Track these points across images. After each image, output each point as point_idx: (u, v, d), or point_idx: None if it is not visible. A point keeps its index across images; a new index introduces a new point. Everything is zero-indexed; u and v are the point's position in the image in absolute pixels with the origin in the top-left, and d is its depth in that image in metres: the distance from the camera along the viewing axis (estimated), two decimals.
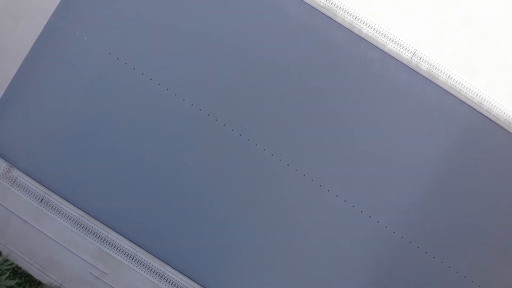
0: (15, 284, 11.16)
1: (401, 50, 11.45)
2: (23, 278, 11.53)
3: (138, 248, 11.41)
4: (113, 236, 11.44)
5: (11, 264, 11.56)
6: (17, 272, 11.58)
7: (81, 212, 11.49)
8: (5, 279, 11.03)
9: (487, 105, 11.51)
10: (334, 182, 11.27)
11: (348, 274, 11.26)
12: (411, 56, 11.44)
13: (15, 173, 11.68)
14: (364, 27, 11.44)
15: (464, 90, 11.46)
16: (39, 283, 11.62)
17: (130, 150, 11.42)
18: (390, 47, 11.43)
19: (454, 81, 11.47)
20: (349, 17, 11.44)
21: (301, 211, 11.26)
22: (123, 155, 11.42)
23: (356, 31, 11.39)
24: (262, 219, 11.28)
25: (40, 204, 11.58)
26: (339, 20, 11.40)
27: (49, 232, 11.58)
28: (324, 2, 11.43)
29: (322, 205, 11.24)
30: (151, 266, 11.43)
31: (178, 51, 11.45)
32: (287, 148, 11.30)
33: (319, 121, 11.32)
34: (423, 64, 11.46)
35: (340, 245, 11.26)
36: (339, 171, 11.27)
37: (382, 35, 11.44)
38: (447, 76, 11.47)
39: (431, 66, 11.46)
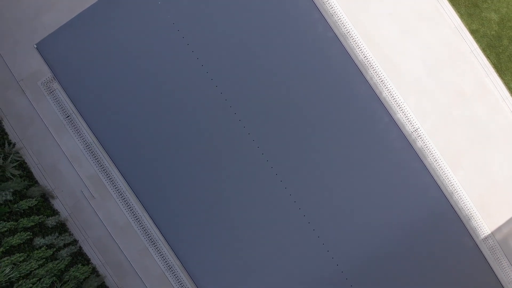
0: (18, 174, 12.83)
1: (407, 123, 13.16)
2: (25, 173, 13.20)
3: (129, 189, 13.09)
4: (114, 171, 13.13)
5: (20, 157, 13.24)
6: (22, 166, 13.25)
7: (96, 141, 13.19)
8: (12, 167, 12.69)
9: (457, 197, 13.21)
10: (316, 218, 13.00)
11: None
12: (412, 131, 13.16)
13: (56, 85, 13.38)
14: (385, 91, 13.15)
15: (443, 177, 13.16)
16: (36, 182, 13.29)
17: (161, 107, 13.12)
18: (399, 116, 13.14)
19: (439, 166, 13.17)
20: (376, 78, 13.15)
21: (276, 226, 12.98)
22: (151, 110, 13.11)
23: (377, 91, 13.10)
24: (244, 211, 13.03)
25: (65, 119, 13.27)
26: (367, 77, 13.11)
27: (62, 145, 13.27)
28: (362, 58, 13.15)
29: (296, 231, 12.97)
30: (133, 207, 13.12)
31: (233, 48, 13.14)
32: (289, 171, 13.03)
33: (320, 159, 13.07)
34: (419, 141, 13.17)
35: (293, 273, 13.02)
36: (323, 208, 12.98)
37: (397, 104, 13.15)
38: (434, 160, 13.17)
39: (425, 146, 13.17)
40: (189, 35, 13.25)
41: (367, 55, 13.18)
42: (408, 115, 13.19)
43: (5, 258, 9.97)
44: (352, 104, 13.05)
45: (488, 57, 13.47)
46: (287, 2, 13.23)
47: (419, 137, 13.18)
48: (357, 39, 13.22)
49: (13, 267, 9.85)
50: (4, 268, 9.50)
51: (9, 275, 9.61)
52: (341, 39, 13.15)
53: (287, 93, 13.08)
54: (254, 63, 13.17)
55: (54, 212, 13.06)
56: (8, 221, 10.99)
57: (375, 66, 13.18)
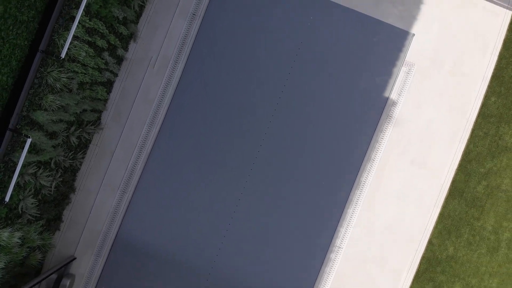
0: (134, 11, 16.31)
1: (341, 238, 16.80)
2: (137, 13, 16.66)
3: (174, 87, 16.65)
4: (179, 70, 16.71)
5: (144, 3, 16.69)
6: (141, 7, 16.72)
7: (191, 45, 16.79)
8: (136, 3, 16.18)
9: None
10: (232, 240, 16.62)
11: None
12: (336, 245, 16.75)
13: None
14: (351, 210, 16.74)
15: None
16: (137, 23, 16.79)
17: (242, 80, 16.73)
18: (340, 229, 16.75)
19: (326, 279, 16.75)
20: (355, 199, 16.74)
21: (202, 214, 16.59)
22: (235, 77, 16.75)
23: (346, 204, 16.70)
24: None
25: (191, 15, 16.83)
26: (351, 193, 16.70)
27: (173, 23, 16.87)
28: (363, 180, 16.71)
29: (210, 233, 16.60)
30: (163, 98, 16.67)
31: (305, 96, 16.73)
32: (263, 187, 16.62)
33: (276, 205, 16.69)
34: (333, 254, 16.78)
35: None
36: (243, 236, 16.59)
37: (347, 222, 16.74)
38: (328, 272, 16.77)
39: (333, 260, 16.79)
40: (301, 58, 16.81)
41: (366, 183, 16.76)
42: (345, 235, 16.79)
43: (86, 45, 13.54)
44: (323, 193, 16.71)
45: (419, 264, 17.04)
46: (359, 112, 16.80)
47: (335, 253, 16.78)
48: (371, 171, 16.78)
49: (84, 54, 13.42)
50: (83, 51, 13.08)
51: (79, 56, 13.19)
52: (365, 161, 16.75)
53: (300, 143, 16.71)
54: (306, 104, 16.79)
55: (126, 48, 16.62)
56: (105, 27, 14.52)
57: (363, 193, 16.78)
